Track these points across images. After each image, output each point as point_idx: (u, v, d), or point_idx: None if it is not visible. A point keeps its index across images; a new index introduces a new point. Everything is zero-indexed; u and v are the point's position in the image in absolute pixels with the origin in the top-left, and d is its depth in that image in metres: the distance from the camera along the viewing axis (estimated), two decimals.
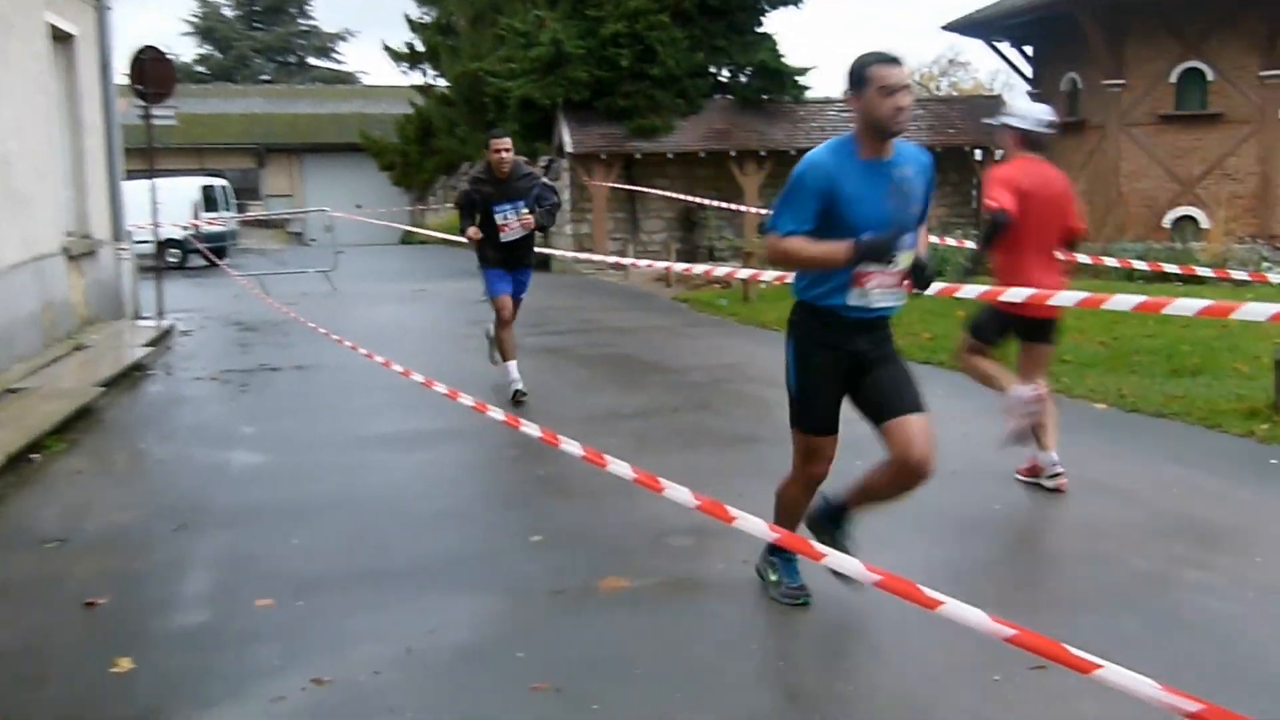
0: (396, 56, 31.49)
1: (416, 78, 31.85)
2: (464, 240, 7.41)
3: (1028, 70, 22.20)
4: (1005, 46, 22.44)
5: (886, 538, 4.37)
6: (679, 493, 2.56)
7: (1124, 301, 4.34)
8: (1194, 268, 9.18)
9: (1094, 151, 19.55)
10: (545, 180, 7.54)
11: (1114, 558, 4.41)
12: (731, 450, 6.27)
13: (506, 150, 7.27)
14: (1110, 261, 9.86)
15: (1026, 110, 5.36)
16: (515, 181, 7.38)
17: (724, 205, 16.41)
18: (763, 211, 19.37)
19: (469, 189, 7.42)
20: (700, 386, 8.26)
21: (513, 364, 7.61)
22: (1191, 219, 18.62)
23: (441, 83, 29.88)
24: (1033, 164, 5.21)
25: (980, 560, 4.45)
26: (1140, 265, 8.72)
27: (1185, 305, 4.05)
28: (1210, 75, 18.64)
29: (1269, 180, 18.48)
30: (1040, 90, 21.40)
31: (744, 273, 8.27)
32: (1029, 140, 5.23)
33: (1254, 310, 3.85)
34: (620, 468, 2.83)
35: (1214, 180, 18.70)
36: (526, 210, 7.39)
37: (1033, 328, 5.26)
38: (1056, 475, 5.30)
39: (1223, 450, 6.10)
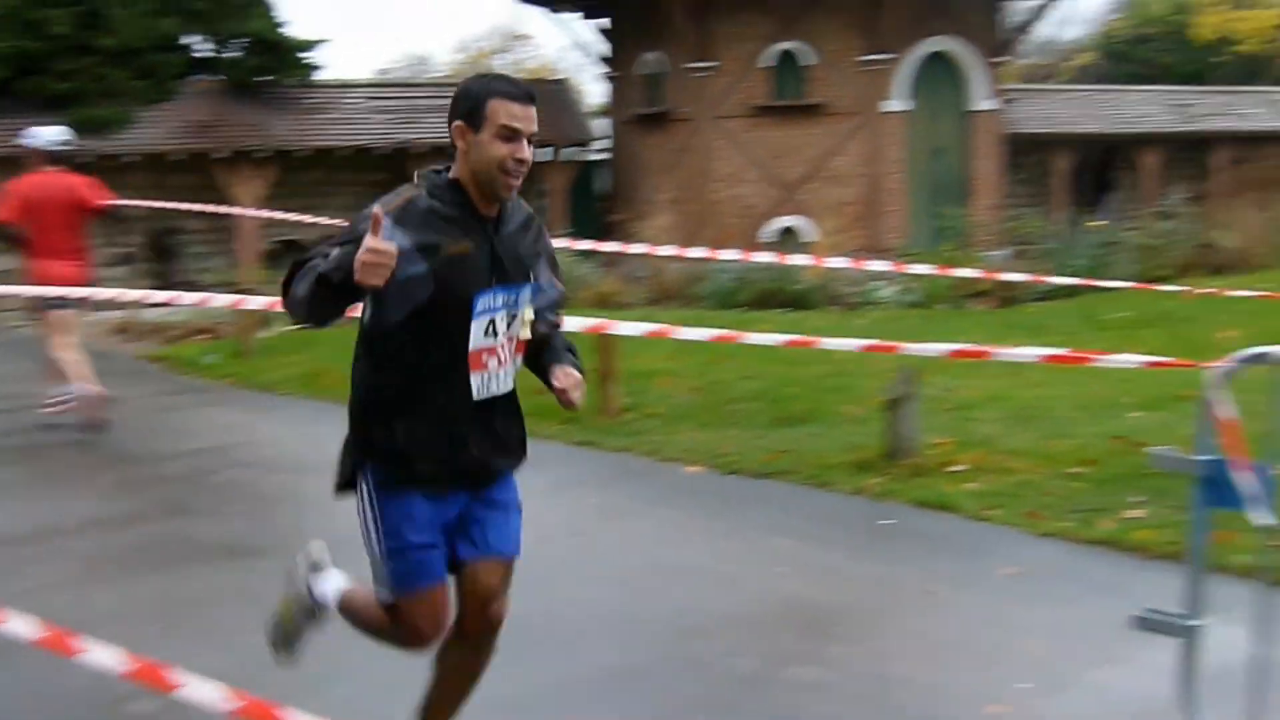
0: None
1: None
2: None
3: (604, 47, 23.37)
4: (577, 18, 23.51)
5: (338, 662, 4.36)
6: (102, 656, 2.41)
7: (696, 334, 4.63)
8: None
9: (683, 150, 20.97)
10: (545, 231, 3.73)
11: (711, 661, 4.71)
12: (220, 567, 6.09)
13: (533, 133, 3.39)
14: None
15: (41, 133, 9.15)
16: (517, 231, 3.54)
17: (213, 210, 15.72)
18: (267, 215, 19.01)
19: (366, 224, 3.15)
20: (177, 481, 7.98)
21: None
22: (794, 231, 20.42)
23: None
24: (47, 176, 9.06)
25: (518, 689, 4.56)
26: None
27: (765, 339, 4.39)
28: (809, 59, 20.62)
29: (877, 184, 20.69)
30: (618, 72, 22.70)
31: (221, 299, 8.25)
32: (50, 157, 9.09)
33: (840, 342, 4.24)
34: (20, 625, 2.62)
35: (818, 184, 20.65)
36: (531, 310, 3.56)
37: (55, 299, 8.90)
38: (67, 403, 9.26)
39: (833, 514, 6.72)
